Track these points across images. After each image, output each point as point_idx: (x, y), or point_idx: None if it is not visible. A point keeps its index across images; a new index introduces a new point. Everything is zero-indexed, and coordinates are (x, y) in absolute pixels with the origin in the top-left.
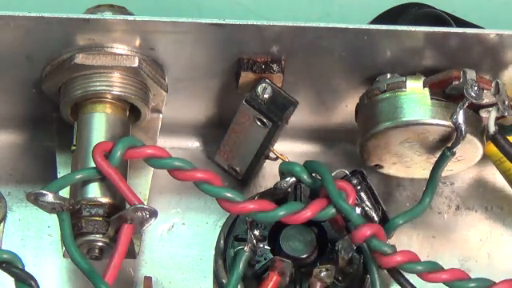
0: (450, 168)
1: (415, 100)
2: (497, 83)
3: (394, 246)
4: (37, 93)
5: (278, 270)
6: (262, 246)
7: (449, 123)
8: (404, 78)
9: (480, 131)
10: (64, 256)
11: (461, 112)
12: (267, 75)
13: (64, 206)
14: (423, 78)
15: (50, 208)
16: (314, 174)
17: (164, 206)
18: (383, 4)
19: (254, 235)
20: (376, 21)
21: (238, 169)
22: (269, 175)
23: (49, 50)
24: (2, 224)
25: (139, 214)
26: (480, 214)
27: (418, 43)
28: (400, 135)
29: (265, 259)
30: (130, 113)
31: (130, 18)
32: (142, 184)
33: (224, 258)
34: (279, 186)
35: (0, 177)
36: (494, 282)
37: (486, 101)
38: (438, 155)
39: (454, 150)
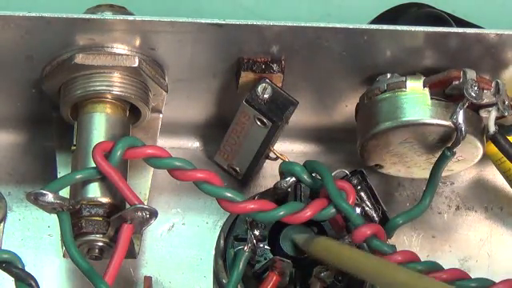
0: (450, 168)
1: (415, 100)
2: (497, 83)
3: (394, 246)
4: (37, 93)
5: (278, 270)
6: (262, 245)
7: (449, 123)
8: (404, 78)
9: (480, 131)
10: (64, 256)
11: (461, 112)
12: (267, 75)
13: (64, 206)
14: (423, 78)
15: (50, 208)
16: (314, 174)
17: (164, 206)
18: (383, 4)
19: (254, 235)
20: (376, 21)
21: (238, 169)
22: (269, 175)
23: (49, 50)
24: (2, 224)
25: (139, 213)
26: (480, 214)
27: (418, 43)
28: (400, 135)
29: (265, 259)
30: (130, 113)
31: (130, 17)
32: (142, 184)
33: (224, 257)
34: (279, 186)
35: (0, 177)
36: (494, 282)
37: (485, 101)
38: (438, 155)
39: (454, 150)
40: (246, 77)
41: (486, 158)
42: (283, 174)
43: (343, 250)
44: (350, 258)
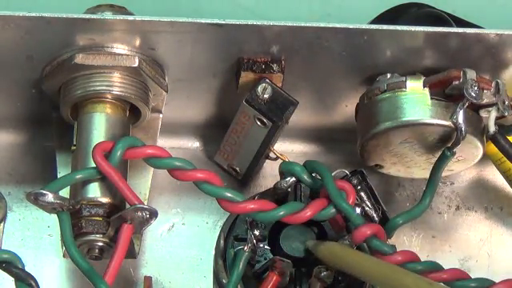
0: (450, 168)
1: (415, 100)
2: (497, 83)
3: (394, 246)
4: (37, 93)
5: (278, 270)
6: (262, 245)
7: (449, 123)
8: (404, 78)
9: (480, 131)
10: (64, 256)
11: (461, 112)
12: (267, 75)
13: (64, 206)
14: (423, 78)
15: (50, 208)
16: (314, 174)
17: (164, 206)
18: (383, 4)
19: (254, 235)
20: (376, 21)
21: (238, 169)
22: (269, 175)
23: (49, 50)
24: (2, 224)
25: (139, 213)
26: (480, 214)
27: (418, 43)
28: (400, 135)
29: (265, 259)
30: (130, 113)
31: (130, 17)
32: (142, 184)
33: (224, 258)
34: (279, 186)
35: (0, 177)
36: (494, 282)
37: (485, 101)
38: (438, 155)
39: (454, 150)
40: (246, 77)
41: (486, 158)
42: (283, 173)
43: (352, 255)
44: (359, 263)
